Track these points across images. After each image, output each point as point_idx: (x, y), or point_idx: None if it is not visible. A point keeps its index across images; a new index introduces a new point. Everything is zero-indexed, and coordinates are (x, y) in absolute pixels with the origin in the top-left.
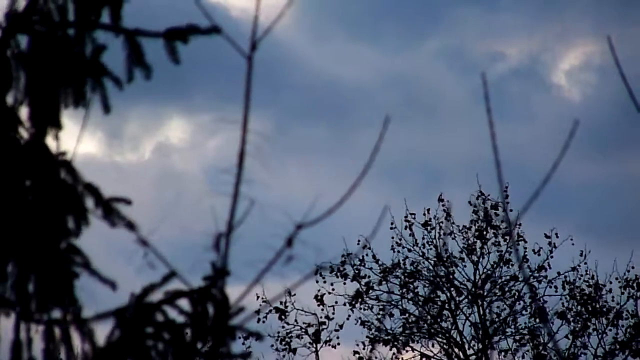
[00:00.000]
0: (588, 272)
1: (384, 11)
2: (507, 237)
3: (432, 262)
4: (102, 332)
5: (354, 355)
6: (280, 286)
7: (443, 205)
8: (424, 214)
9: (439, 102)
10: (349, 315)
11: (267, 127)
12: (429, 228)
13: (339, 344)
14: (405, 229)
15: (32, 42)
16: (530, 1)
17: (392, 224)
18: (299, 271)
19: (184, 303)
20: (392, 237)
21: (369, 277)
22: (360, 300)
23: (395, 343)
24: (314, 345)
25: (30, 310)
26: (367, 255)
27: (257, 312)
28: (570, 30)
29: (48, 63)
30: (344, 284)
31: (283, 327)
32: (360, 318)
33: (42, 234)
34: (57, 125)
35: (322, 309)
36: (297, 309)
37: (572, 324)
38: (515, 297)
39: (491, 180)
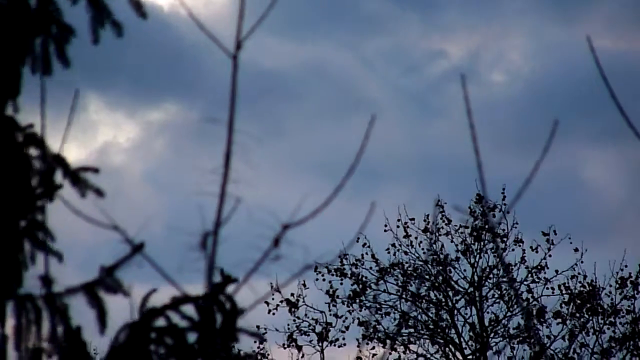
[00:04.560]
0: (582, 273)
1: (323, 9)
2: (497, 239)
3: (429, 264)
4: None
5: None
6: (268, 286)
7: (442, 211)
8: (424, 220)
9: (375, 100)
10: (346, 318)
11: (195, 118)
12: (428, 234)
13: (344, 344)
14: (398, 227)
15: None
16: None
17: (385, 226)
18: (288, 271)
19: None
20: (392, 243)
21: (366, 277)
22: (357, 299)
23: (391, 342)
24: (320, 344)
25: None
26: (366, 254)
27: (267, 303)
28: (510, 28)
29: (8, 31)
30: (341, 283)
31: (294, 320)
32: (358, 318)
33: (5, 206)
34: (16, 94)
35: (334, 305)
36: (308, 306)
37: (568, 324)
38: (507, 298)
39: (429, 179)
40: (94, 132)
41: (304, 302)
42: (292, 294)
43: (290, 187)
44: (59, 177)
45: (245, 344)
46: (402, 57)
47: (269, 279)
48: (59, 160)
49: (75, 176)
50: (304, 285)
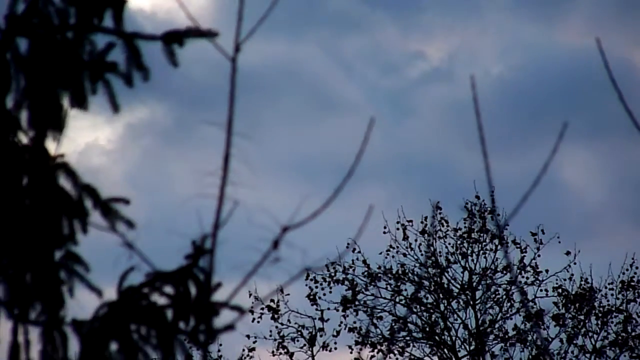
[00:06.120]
0: (581, 274)
1: (299, 9)
2: (497, 241)
3: (427, 266)
4: None
5: None
6: (268, 288)
7: (440, 214)
8: (422, 222)
9: (353, 101)
10: (341, 322)
11: (167, 121)
12: (426, 235)
13: (335, 348)
14: (398, 229)
15: (31, 45)
16: (450, 0)
17: (385, 227)
18: (286, 273)
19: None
20: (391, 246)
21: (356, 283)
22: (350, 305)
23: (387, 346)
24: (310, 349)
25: (28, 312)
26: (357, 259)
27: (251, 311)
28: (489, 28)
29: (48, 66)
30: (330, 289)
31: (276, 327)
32: (347, 324)
33: (38, 238)
34: (57, 128)
35: (316, 309)
36: (292, 311)
37: (566, 327)
38: (504, 299)
39: (407, 180)
40: (74, 133)
41: (286, 306)
42: (272, 300)
43: (267, 188)
44: (89, 206)
45: (233, 352)
46: (381, 58)
47: (269, 282)
48: (89, 191)
49: (106, 207)
50: (281, 291)
